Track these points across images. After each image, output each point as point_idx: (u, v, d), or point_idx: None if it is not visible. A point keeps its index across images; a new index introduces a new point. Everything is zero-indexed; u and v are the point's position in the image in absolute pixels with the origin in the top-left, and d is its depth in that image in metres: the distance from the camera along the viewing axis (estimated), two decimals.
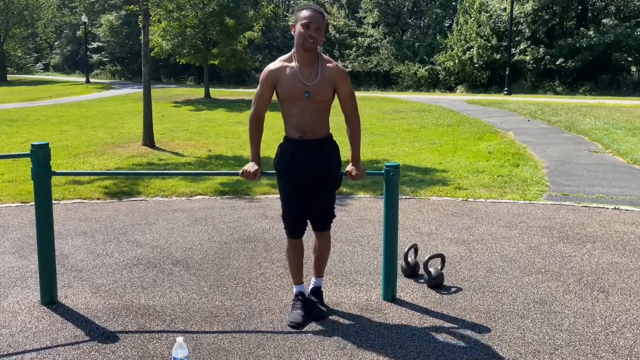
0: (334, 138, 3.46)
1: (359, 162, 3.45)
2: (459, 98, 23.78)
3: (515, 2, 26.64)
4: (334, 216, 3.54)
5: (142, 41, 10.79)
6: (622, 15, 26.10)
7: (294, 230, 3.45)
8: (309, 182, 3.37)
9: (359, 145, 3.44)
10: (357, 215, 5.80)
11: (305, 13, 3.20)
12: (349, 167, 3.44)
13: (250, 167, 3.41)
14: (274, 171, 3.50)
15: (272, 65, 3.33)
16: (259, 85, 3.36)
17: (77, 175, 7.74)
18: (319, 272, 3.60)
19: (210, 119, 15.97)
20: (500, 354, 3.06)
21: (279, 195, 3.49)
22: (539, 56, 27.14)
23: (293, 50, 3.31)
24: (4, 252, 4.65)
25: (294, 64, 3.27)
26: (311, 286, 3.63)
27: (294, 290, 3.59)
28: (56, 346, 3.12)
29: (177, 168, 8.67)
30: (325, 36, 3.30)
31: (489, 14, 28.68)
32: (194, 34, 22.53)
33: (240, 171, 3.42)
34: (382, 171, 3.58)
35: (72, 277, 4.11)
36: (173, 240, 4.98)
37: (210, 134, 12.61)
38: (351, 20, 36.30)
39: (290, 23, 3.40)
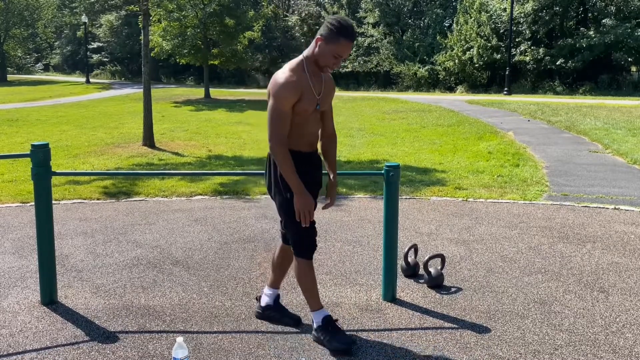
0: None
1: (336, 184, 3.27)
2: (459, 98, 23.78)
3: (515, 2, 26.65)
4: None
5: (142, 41, 10.80)
6: (622, 15, 26.11)
7: (315, 249, 3.17)
8: (315, 195, 3.17)
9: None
10: (357, 215, 5.80)
11: (345, 43, 2.86)
12: (332, 192, 3.23)
13: (309, 201, 2.95)
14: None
15: (291, 77, 2.91)
16: (279, 103, 2.88)
17: (77, 175, 7.74)
18: (279, 284, 3.49)
19: (210, 119, 15.98)
20: (500, 354, 3.06)
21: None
22: (539, 56, 27.14)
23: (303, 57, 2.99)
24: (4, 252, 4.65)
25: (306, 74, 2.96)
26: (273, 297, 3.43)
27: (321, 316, 3.15)
28: (56, 346, 3.12)
29: (177, 168, 8.67)
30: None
31: (489, 14, 28.69)
32: (194, 34, 22.54)
33: (297, 212, 2.97)
34: (382, 171, 3.57)
35: (72, 277, 4.11)
36: (173, 240, 4.98)
37: (210, 134, 12.61)
38: (351, 20, 36.28)
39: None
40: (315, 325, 3.17)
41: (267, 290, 3.46)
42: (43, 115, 16.80)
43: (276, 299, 3.44)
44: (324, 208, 3.24)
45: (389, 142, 11.24)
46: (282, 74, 2.93)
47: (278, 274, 3.43)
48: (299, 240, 3.09)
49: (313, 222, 3.08)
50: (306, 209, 2.95)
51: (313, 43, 2.95)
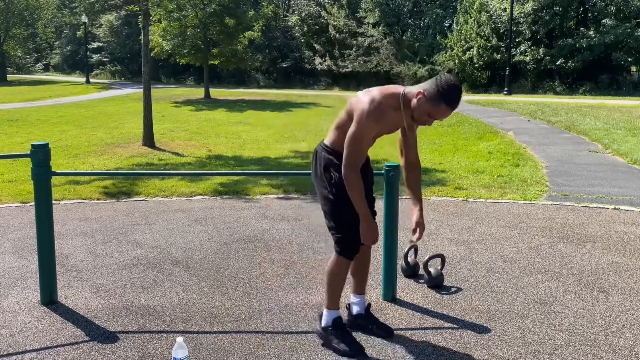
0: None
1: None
2: None
3: (515, 2, 26.65)
4: None
5: (142, 41, 10.80)
6: (622, 15, 26.13)
7: (358, 251, 3.10)
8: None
9: None
10: None
11: (445, 110, 2.75)
12: (420, 227, 3.13)
13: (374, 227, 2.96)
14: (272, 171, 3.36)
15: (381, 109, 2.81)
16: (363, 131, 2.81)
17: (77, 176, 7.74)
18: (365, 288, 3.39)
19: (210, 119, 15.97)
20: (500, 354, 3.06)
21: (338, 211, 3.02)
22: (539, 56, 27.16)
23: (402, 92, 2.85)
24: (4, 252, 4.65)
25: (393, 112, 2.85)
26: (363, 305, 3.33)
27: (333, 317, 3.12)
28: (56, 346, 3.12)
29: (177, 168, 8.67)
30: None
31: (489, 14, 28.71)
32: (194, 34, 22.54)
33: (362, 236, 2.97)
34: (382, 171, 3.57)
35: (72, 277, 4.11)
36: (173, 240, 4.98)
37: (210, 134, 12.61)
38: (351, 20, 36.31)
39: (418, 91, 2.78)
40: (323, 323, 3.14)
41: (353, 298, 3.34)
42: (43, 115, 16.79)
43: (367, 307, 3.33)
44: (415, 240, 3.13)
45: (389, 142, 11.17)
46: (371, 103, 2.79)
47: (359, 278, 3.31)
48: (344, 239, 3.03)
49: (358, 223, 3.03)
50: (371, 235, 2.95)
51: (415, 90, 2.81)
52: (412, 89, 2.85)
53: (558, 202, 6.38)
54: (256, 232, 5.20)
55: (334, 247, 3.08)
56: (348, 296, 3.44)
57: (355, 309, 3.33)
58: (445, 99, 2.73)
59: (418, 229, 3.13)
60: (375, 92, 2.87)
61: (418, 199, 3.17)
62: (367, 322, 3.29)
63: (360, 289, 3.34)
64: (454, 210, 6.03)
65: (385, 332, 3.24)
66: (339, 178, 2.96)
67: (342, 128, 2.96)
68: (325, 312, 3.15)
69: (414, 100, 2.80)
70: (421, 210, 3.16)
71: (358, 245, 3.05)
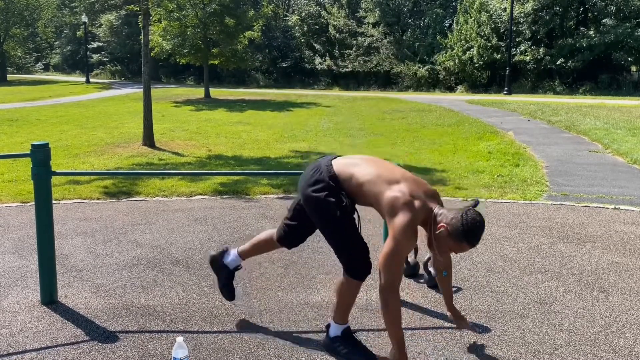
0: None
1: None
2: (459, 98, 23.79)
3: (515, 2, 26.65)
4: None
5: (142, 41, 10.80)
6: (622, 15, 26.13)
7: (370, 271, 3.02)
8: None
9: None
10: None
11: (466, 247, 2.71)
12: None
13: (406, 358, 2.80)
14: (272, 171, 3.35)
15: (416, 225, 2.74)
16: (402, 250, 2.73)
17: (77, 175, 7.74)
18: (247, 259, 3.58)
19: (210, 119, 15.97)
20: (500, 354, 3.06)
21: (340, 232, 3.00)
22: (539, 56, 27.16)
23: (434, 213, 2.77)
24: (4, 252, 4.65)
25: (419, 227, 2.78)
26: (236, 263, 3.47)
27: (342, 328, 3.07)
28: (56, 346, 3.12)
29: (177, 168, 8.67)
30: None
31: (489, 14, 28.70)
32: (194, 33, 22.53)
33: None
34: None
35: (72, 277, 4.11)
36: (173, 240, 4.98)
37: (210, 134, 12.61)
38: (351, 20, 36.31)
39: (441, 222, 2.73)
40: (331, 334, 3.07)
41: (234, 253, 3.45)
42: (43, 115, 16.79)
43: (236, 268, 3.46)
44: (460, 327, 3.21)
45: (389, 142, 11.23)
46: (413, 221, 2.70)
47: (253, 250, 3.44)
48: (354, 262, 2.94)
49: (363, 240, 3.01)
50: None
51: (441, 218, 2.75)
52: (440, 214, 2.76)
53: (558, 202, 6.38)
54: (256, 232, 5.19)
55: (344, 269, 3.00)
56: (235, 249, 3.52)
57: (228, 259, 3.44)
58: (469, 238, 2.68)
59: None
60: (417, 204, 2.73)
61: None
62: (228, 278, 3.43)
63: (245, 255, 3.45)
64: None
65: (231, 294, 3.43)
66: (350, 203, 2.93)
67: (361, 187, 2.87)
68: (333, 324, 3.09)
69: (436, 230, 2.75)
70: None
71: (368, 265, 2.98)
